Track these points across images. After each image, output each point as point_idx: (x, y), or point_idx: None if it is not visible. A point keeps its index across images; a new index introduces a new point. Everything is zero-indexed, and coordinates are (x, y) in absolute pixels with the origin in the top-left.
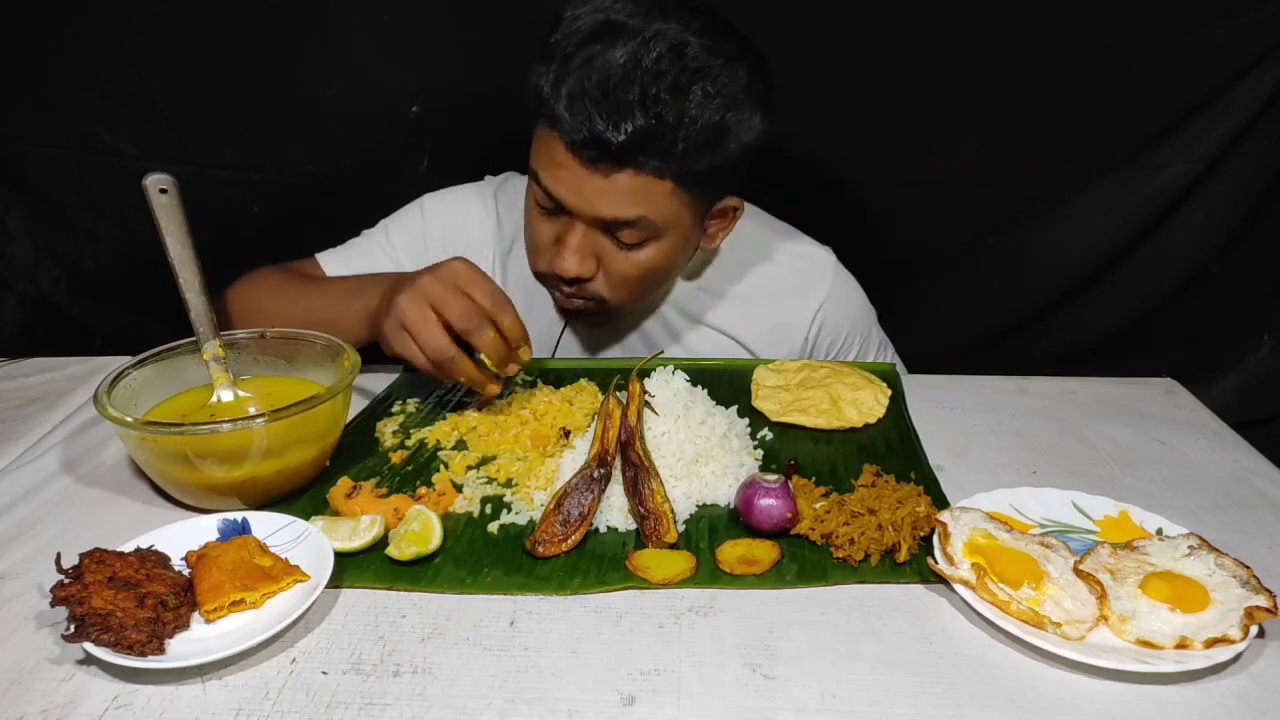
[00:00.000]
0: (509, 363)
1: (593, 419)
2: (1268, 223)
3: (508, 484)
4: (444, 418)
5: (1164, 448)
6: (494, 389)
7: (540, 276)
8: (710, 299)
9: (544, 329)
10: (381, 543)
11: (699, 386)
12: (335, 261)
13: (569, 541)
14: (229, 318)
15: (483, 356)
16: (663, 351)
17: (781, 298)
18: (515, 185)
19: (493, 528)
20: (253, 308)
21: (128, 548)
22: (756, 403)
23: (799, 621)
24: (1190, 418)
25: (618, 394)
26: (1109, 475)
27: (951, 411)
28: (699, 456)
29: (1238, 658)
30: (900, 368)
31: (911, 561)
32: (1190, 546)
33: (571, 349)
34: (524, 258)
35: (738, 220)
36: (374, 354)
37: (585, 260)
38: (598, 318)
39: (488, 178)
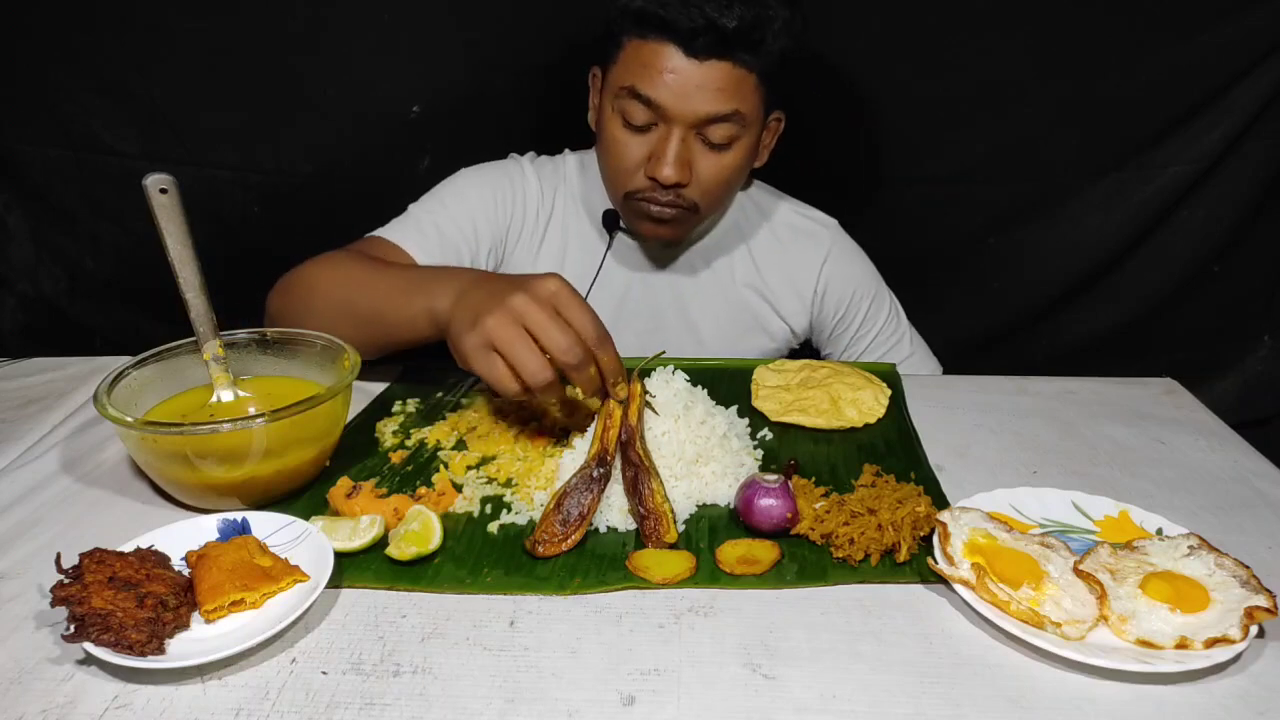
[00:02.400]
0: (597, 397)
1: (593, 419)
2: (1268, 223)
3: (508, 484)
4: (444, 418)
5: (1164, 448)
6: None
7: (629, 196)
8: (730, 248)
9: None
10: (381, 543)
11: (699, 386)
12: (397, 235)
13: (569, 541)
14: (286, 295)
15: (575, 389)
16: (664, 352)
17: (791, 253)
18: (542, 161)
19: (493, 528)
20: (310, 287)
21: (128, 548)
22: (756, 403)
23: (799, 621)
24: (1190, 418)
25: None
26: (1109, 475)
27: (951, 411)
28: (699, 456)
29: (1238, 658)
30: (928, 355)
31: (911, 561)
32: (1190, 546)
33: (601, 301)
34: (561, 223)
35: (779, 134)
36: None
37: (683, 167)
38: (677, 230)
39: (513, 155)
